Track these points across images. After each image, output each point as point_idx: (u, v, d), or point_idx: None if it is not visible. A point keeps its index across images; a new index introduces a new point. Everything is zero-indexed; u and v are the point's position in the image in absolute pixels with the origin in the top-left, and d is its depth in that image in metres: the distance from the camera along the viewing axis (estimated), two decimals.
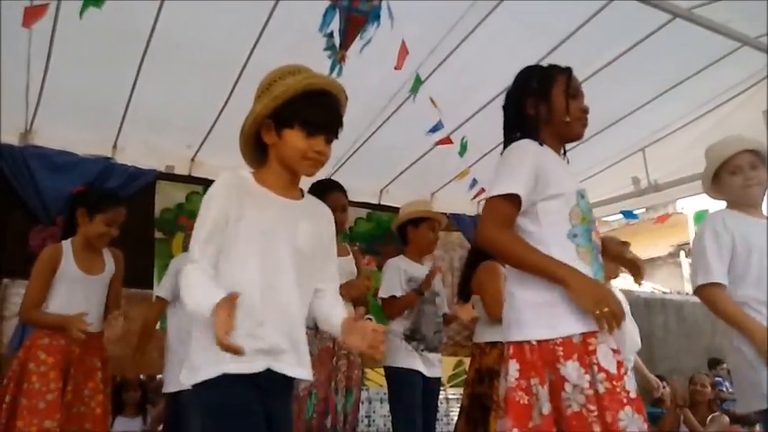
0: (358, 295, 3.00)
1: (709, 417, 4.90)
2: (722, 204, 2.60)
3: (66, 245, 2.86)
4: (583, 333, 1.69)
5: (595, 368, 1.66)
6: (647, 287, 9.03)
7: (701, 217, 4.62)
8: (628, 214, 5.23)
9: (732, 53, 3.72)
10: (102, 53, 3.39)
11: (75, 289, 2.81)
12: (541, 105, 1.93)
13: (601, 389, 1.64)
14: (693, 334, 7.18)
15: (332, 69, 2.93)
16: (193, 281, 1.61)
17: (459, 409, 3.64)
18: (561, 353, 1.69)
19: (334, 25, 2.80)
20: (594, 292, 1.68)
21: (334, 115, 1.74)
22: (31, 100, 3.67)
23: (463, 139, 4.04)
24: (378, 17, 2.79)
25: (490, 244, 1.80)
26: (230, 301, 1.48)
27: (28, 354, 2.71)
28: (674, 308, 7.35)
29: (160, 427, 4.97)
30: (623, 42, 3.66)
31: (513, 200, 1.78)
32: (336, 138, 1.76)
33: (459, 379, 5.86)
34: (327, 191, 3.08)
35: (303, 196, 1.84)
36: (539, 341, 1.73)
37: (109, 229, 2.88)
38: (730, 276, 2.37)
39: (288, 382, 1.70)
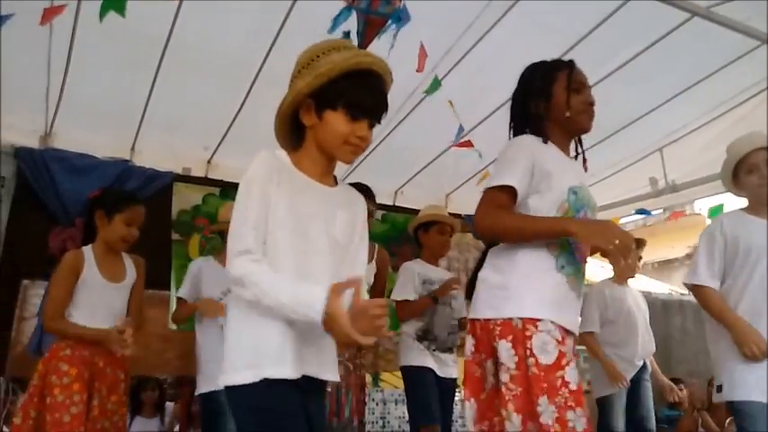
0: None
1: (728, 419, 4.85)
2: (742, 202, 2.60)
3: (88, 251, 2.76)
4: (522, 318, 1.77)
5: (527, 352, 1.74)
6: (665, 289, 8.93)
7: (715, 212, 4.60)
8: (643, 211, 5.18)
9: (751, 52, 3.68)
10: (121, 57, 3.43)
11: (98, 297, 2.72)
12: (543, 103, 1.98)
13: (527, 372, 1.73)
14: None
15: None
16: (268, 281, 1.46)
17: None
18: (498, 332, 1.80)
19: (352, 26, 2.80)
20: (602, 230, 1.72)
21: (381, 98, 1.61)
22: (50, 103, 3.72)
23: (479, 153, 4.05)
24: (400, 20, 2.79)
25: (489, 227, 1.87)
26: (338, 294, 1.40)
27: (48, 366, 2.60)
28: (692, 309, 7.26)
29: (176, 428, 5.02)
30: (640, 42, 3.63)
31: (509, 191, 1.85)
32: (379, 123, 1.64)
33: None
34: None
35: (336, 183, 1.72)
36: (486, 319, 1.85)
37: (129, 230, 2.77)
38: (730, 278, 2.46)
39: (322, 383, 1.62)
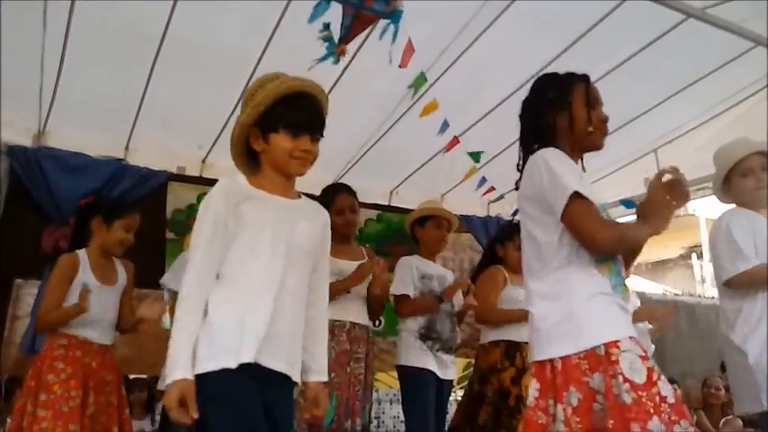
0: (382, 292, 3.00)
1: (723, 420, 4.87)
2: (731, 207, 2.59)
3: (83, 254, 2.84)
4: (605, 343, 1.65)
5: (620, 378, 1.60)
6: (659, 289, 8.97)
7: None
8: (628, 204, 5.19)
9: (746, 53, 3.69)
10: (115, 55, 3.41)
11: (92, 299, 2.75)
12: (561, 116, 1.88)
13: (627, 399, 1.57)
14: (706, 336, 7.12)
15: (324, 58, 2.92)
16: (180, 315, 1.64)
17: (457, 404, 3.65)
18: (586, 366, 1.65)
19: (333, 17, 2.79)
20: (660, 212, 1.74)
21: (315, 114, 1.79)
22: (44, 101, 3.70)
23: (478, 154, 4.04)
24: (399, 20, 2.78)
25: (606, 244, 1.73)
26: (185, 391, 1.55)
27: (43, 365, 2.67)
28: (686, 310, 7.30)
29: None
30: (636, 42, 3.64)
31: (587, 197, 1.74)
32: (322, 136, 1.81)
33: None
34: (335, 193, 3.10)
35: (300, 197, 1.88)
36: (561, 357, 1.69)
37: (127, 235, 2.88)
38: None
39: (286, 378, 1.73)
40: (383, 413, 5.23)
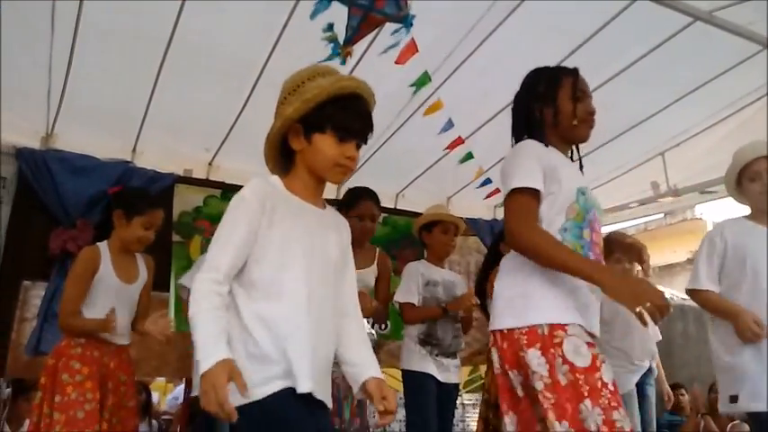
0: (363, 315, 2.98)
1: (730, 425, 4.82)
2: (746, 210, 2.62)
3: (104, 247, 2.75)
4: (550, 324, 1.73)
5: (560, 360, 1.68)
6: (666, 293, 8.93)
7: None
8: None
9: (753, 56, 3.67)
10: (122, 59, 3.43)
11: (111, 297, 2.70)
12: (548, 109, 1.96)
13: (563, 380, 1.66)
14: None
15: (329, 59, 2.92)
16: (205, 306, 1.46)
17: (462, 408, 3.65)
18: (525, 341, 1.74)
19: (337, 18, 2.79)
20: (632, 288, 1.67)
21: (366, 120, 1.66)
22: (52, 104, 3.72)
23: (469, 153, 4.04)
24: (411, 24, 2.78)
25: (520, 242, 1.81)
26: (231, 372, 1.38)
27: (58, 364, 2.58)
28: (693, 314, 7.25)
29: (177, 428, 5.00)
30: (643, 45, 3.63)
31: (534, 194, 1.82)
32: (366, 143, 1.69)
33: (474, 385, 5.83)
34: (360, 198, 3.09)
35: (325, 206, 1.76)
36: (508, 329, 1.79)
37: (147, 233, 2.77)
38: (726, 283, 2.51)
39: (326, 407, 1.60)
40: None
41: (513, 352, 1.76)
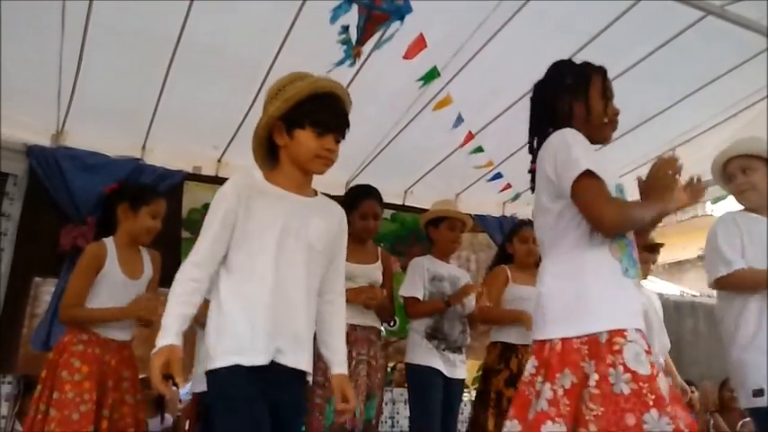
0: (372, 305, 2.99)
1: (740, 422, 4.80)
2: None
3: (110, 243, 2.74)
4: (610, 331, 1.64)
5: (621, 368, 1.59)
6: (677, 290, 8.87)
7: (717, 200, 4.63)
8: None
9: (764, 52, 3.64)
10: (132, 57, 3.45)
11: (116, 292, 2.70)
12: (577, 104, 1.88)
13: (626, 390, 1.56)
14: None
15: (342, 61, 2.92)
16: (177, 291, 1.69)
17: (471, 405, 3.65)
18: (586, 352, 1.64)
19: (351, 20, 2.79)
20: (663, 185, 1.82)
21: (341, 115, 1.83)
22: (62, 102, 3.74)
23: (479, 147, 4.03)
24: (403, 16, 2.78)
25: (619, 224, 1.73)
26: (170, 356, 1.58)
27: (59, 359, 2.58)
28: (704, 311, 7.21)
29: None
30: (653, 41, 3.61)
31: (599, 176, 1.73)
32: (344, 138, 1.84)
33: None
34: (362, 196, 3.09)
35: (316, 195, 1.91)
36: (562, 339, 1.68)
37: (154, 222, 2.80)
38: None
39: (297, 375, 1.76)
40: (398, 413, 5.21)
41: (570, 363, 1.65)
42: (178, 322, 1.64)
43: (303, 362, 1.76)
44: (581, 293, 1.70)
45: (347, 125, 1.85)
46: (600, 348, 1.62)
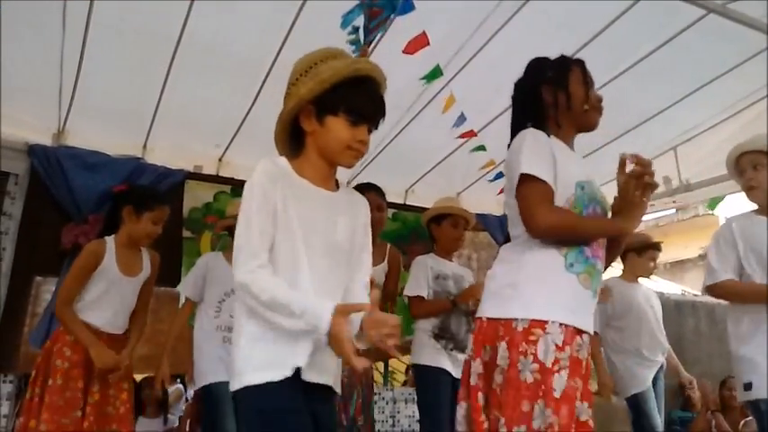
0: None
1: (742, 421, 4.80)
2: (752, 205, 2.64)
3: (110, 241, 2.86)
4: (531, 320, 1.72)
5: (531, 357, 1.68)
6: (678, 289, 8.86)
7: (715, 203, 4.64)
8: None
9: (766, 50, 3.63)
10: (133, 56, 3.44)
11: (112, 288, 2.82)
12: (559, 94, 1.94)
13: (529, 378, 1.66)
14: (726, 337, 7.01)
15: None
16: (277, 291, 1.47)
17: None
18: (501, 332, 1.75)
19: (359, 21, 2.79)
20: (633, 213, 1.82)
21: (379, 104, 1.65)
22: (63, 101, 3.74)
23: (481, 146, 4.02)
24: (394, 9, 2.77)
25: (549, 228, 1.78)
26: (345, 314, 1.43)
27: (54, 347, 2.73)
28: (705, 310, 7.20)
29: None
30: (655, 39, 3.60)
31: (546, 181, 1.80)
32: (376, 128, 1.68)
33: None
34: (365, 191, 3.08)
35: (338, 187, 1.74)
36: (489, 318, 1.81)
37: (155, 228, 2.89)
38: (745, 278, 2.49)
39: (330, 391, 1.63)
40: (398, 412, 5.21)
41: (482, 341, 1.79)
42: (310, 297, 1.48)
43: (336, 381, 1.63)
44: (514, 280, 1.80)
45: (384, 114, 1.66)
46: (515, 335, 1.71)
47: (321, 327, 1.43)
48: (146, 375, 4.77)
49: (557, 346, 1.70)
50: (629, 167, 1.82)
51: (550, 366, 1.67)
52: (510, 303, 1.77)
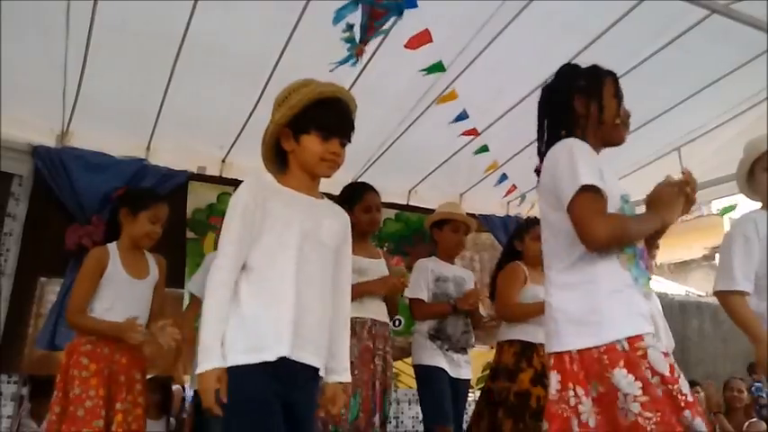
0: (391, 293, 3.06)
1: (746, 423, 4.78)
2: (755, 204, 2.53)
3: (113, 247, 2.84)
4: (628, 338, 1.63)
5: (649, 372, 1.59)
6: (682, 290, 8.85)
7: (727, 211, 4.57)
8: None
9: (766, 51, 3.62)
10: (136, 57, 3.45)
11: (122, 292, 2.78)
12: (592, 105, 1.89)
13: (658, 392, 1.57)
14: (730, 338, 7.00)
15: (345, 60, 2.92)
16: (212, 304, 1.73)
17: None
18: (607, 361, 1.63)
19: (356, 19, 2.79)
20: (668, 203, 1.81)
21: (345, 119, 1.90)
22: (67, 102, 3.75)
23: (484, 145, 4.02)
24: (401, 12, 2.76)
25: (608, 239, 1.70)
26: (222, 378, 1.65)
27: (70, 360, 2.67)
28: (709, 311, 7.19)
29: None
30: (658, 40, 3.59)
31: (600, 192, 1.73)
32: (349, 141, 1.90)
33: None
34: (364, 191, 3.13)
35: (322, 198, 1.98)
36: (579, 350, 1.68)
37: (154, 227, 2.87)
38: (756, 283, 2.33)
39: (312, 372, 1.80)
40: (402, 413, 5.21)
41: (594, 374, 1.65)
42: (218, 342, 1.68)
43: (319, 359, 1.81)
44: (595, 304, 1.70)
45: (352, 128, 1.91)
46: (627, 356, 1.62)
47: (200, 365, 1.67)
48: (149, 377, 4.76)
49: (663, 353, 1.64)
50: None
51: (669, 375, 1.61)
52: (602, 329, 1.66)
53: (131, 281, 2.82)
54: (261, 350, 1.69)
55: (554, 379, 1.72)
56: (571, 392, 1.66)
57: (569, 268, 1.78)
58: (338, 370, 1.93)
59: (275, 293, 1.74)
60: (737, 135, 4.10)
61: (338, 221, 1.97)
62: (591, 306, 1.70)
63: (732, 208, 4.54)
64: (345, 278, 2.00)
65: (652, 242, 1.97)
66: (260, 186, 1.85)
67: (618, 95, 1.92)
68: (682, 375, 1.64)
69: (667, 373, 1.60)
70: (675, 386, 1.59)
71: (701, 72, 3.89)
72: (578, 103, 1.90)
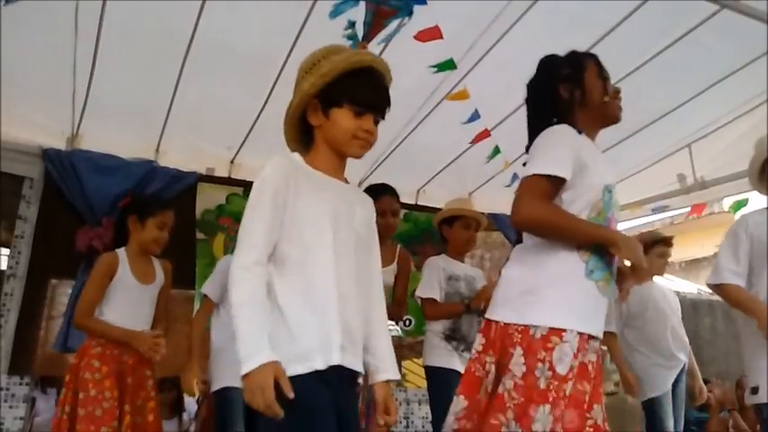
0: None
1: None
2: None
3: (122, 253, 2.90)
4: (550, 328, 1.69)
5: (547, 365, 1.65)
6: (693, 288, 8.78)
7: (739, 207, 4.53)
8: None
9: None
10: (145, 58, 3.46)
11: (130, 297, 2.85)
12: (576, 90, 1.91)
13: (542, 384, 1.64)
14: None
15: None
16: (246, 295, 1.46)
17: None
18: (516, 339, 1.71)
19: (359, 16, 2.78)
20: (637, 247, 1.74)
21: (382, 93, 1.67)
22: (77, 105, 3.77)
23: (496, 147, 4.00)
24: (411, 12, 2.75)
25: (527, 217, 1.75)
26: (278, 372, 1.39)
27: (81, 362, 2.73)
28: (721, 309, 7.13)
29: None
30: (667, 36, 3.56)
31: (553, 181, 1.75)
32: (383, 119, 1.68)
33: None
34: (379, 194, 3.06)
35: (347, 182, 1.77)
36: (506, 323, 1.76)
37: (161, 233, 2.92)
38: (757, 278, 2.40)
39: (353, 376, 1.60)
40: (412, 413, 5.20)
41: (502, 345, 1.75)
42: (265, 336, 1.42)
43: (359, 363, 1.60)
44: (534, 285, 1.75)
45: (388, 103, 1.67)
46: (533, 342, 1.69)
47: (245, 364, 1.39)
48: (161, 377, 4.78)
49: (573, 354, 1.68)
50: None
51: (565, 374, 1.65)
52: (529, 310, 1.73)
53: (139, 286, 2.89)
54: (311, 358, 1.47)
55: (478, 341, 1.83)
56: (488, 358, 1.77)
57: (530, 247, 1.84)
58: (386, 367, 1.67)
59: (317, 292, 1.52)
60: (749, 131, 4.06)
61: (366, 209, 1.75)
62: (530, 287, 1.75)
63: (744, 203, 4.50)
64: (378, 268, 1.78)
65: (620, 286, 1.90)
66: (290, 167, 1.59)
67: (602, 75, 1.93)
68: (588, 382, 1.69)
69: (563, 373, 1.65)
70: (556, 383, 1.64)
71: (712, 68, 3.86)
72: (563, 91, 1.92)
